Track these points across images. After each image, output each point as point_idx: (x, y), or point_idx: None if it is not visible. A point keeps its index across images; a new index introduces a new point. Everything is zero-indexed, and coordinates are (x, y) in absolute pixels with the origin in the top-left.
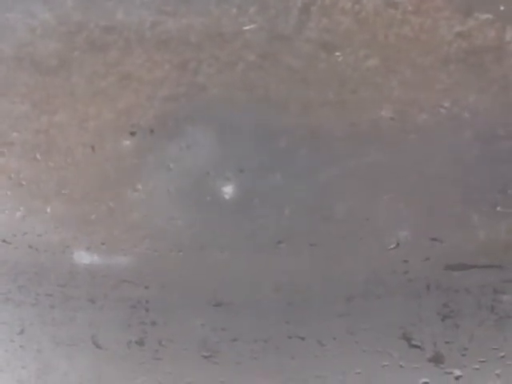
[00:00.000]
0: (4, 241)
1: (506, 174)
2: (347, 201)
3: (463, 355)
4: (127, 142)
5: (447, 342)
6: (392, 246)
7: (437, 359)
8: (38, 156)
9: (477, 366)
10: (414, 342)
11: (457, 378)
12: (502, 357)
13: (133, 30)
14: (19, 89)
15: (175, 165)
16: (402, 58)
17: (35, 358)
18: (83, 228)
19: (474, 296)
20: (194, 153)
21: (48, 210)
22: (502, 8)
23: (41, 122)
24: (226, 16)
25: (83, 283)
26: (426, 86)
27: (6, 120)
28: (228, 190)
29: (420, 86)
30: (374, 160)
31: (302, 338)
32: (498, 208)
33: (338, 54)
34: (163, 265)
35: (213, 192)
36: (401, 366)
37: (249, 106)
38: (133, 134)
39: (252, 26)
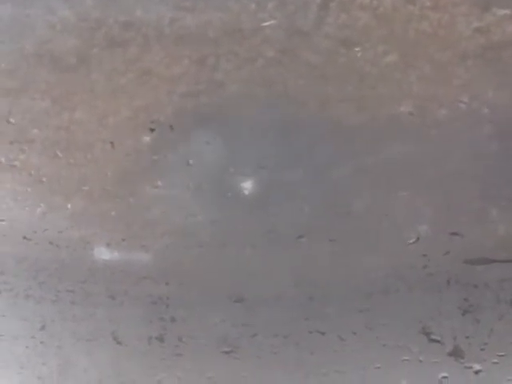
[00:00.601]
0: (24, 237)
1: None
2: (367, 196)
3: (482, 350)
4: (147, 138)
5: (467, 337)
6: (412, 241)
7: (456, 353)
8: (58, 153)
9: (496, 361)
10: (433, 337)
11: (476, 372)
12: None
13: (152, 27)
14: (39, 85)
15: (195, 161)
16: (420, 54)
17: (56, 354)
18: (103, 224)
19: (494, 290)
20: (213, 149)
21: (68, 206)
22: None
23: (61, 119)
24: (245, 12)
25: (103, 279)
26: (444, 82)
27: (27, 116)
28: (248, 186)
29: (439, 81)
30: (394, 155)
31: (322, 333)
32: None
33: (356, 49)
34: (183, 261)
35: (232, 188)
36: (420, 361)
37: (268, 101)
38: (152, 130)
39: (271, 22)
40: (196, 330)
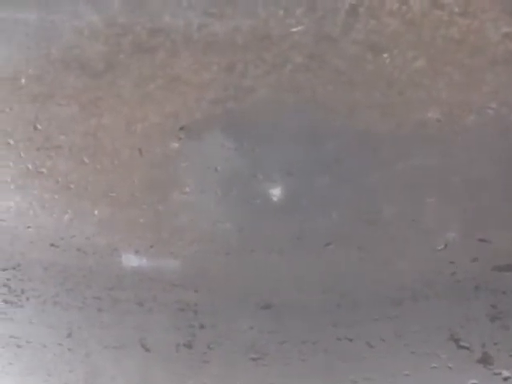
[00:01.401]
0: (52, 244)
1: None
2: (395, 203)
3: (511, 356)
4: (175, 145)
5: (495, 343)
6: (440, 248)
7: (485, 360)
8: (85, 159)
9: None
10: (462, 344)
11: (505, 379)
12: None
13: (180, 33)
14: (66, 91)
15: (223, 167)
16: (448, 60)
17: (83, 362)
18: (131, 231)
19: None
20: (241, 155)
21: (96, 212)
22: None
23: (88, 125)
24: (273, 18)
25: (131, 286)
26: (473, 88)
27: (53, 123)
28: (275, 193)
29: (467, 87)
30: (422, 162)
31: (351, 340)
32: None
33: (385, 55)
34: (211, 268)
35: (260, 194)
36: (449, 368)
37: (296, 107)
38: (180, 136)
39: (299, 28)
40: (224, 336)
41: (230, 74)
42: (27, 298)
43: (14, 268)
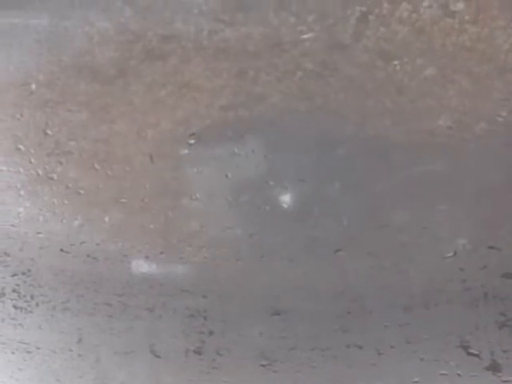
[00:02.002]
0: (62, 250)
1: None
2: (405, 209)
3: None
4: (185, 151)
5: (504, 351)
6: (449, 255)
7: (494, 368)
8: (96, 165)
9: None
10: (471, 351)
11: None
12: None
13: (191, 39)
14: (77, 97)
15: (233, 174)
16: (459, 67)
17: (93, 368)
18: (141, 237)
19: None
20: (252, 162)
21: (106, 219)
22: None
23: (99, 131)
24: (285, 25)
25: (141, 292)
26: (483, 95)
27: (64, 129)
28: (286, 199)
29: (477, 95)
30: (432, 169)
31: (360, 347)
32: None
33: (395, 62)
34: (221, 274)
35: (271, 201)
36: (458, 375)
37: (307, 114)
38: (191, 143)
39: (310, 35)
40: (233, 343)
41: (241, 80)
42: (37, 304)
43: (23, 274)
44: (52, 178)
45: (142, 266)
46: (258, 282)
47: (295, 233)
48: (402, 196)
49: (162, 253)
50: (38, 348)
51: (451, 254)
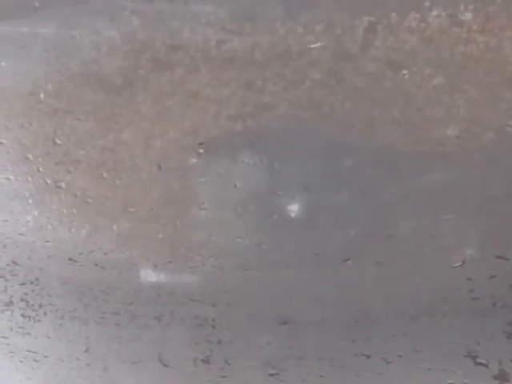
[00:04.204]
0: (70, 259)
1: None
2: (412, 219)
3: None
4: (193, 161)
5: None
6: (457, 264)
7: (502, 377)
8: (104, 174)
9: None
10: (479, 360)
11: None
12: None
13: (198, 49)
14: (85, 106)
15: (241, 183)
16: (467, 77)
17: (101, 377)
18: (150, 246)
19: None
20: (259, 171)
21: (114, 227)
22: None
23: (107, 140)
24: (292, 34)
25: (149, 301)
26: (491, 105)
27: (72, 137)
28: (294, 208)
29: (486, 104)
30: (439, 178)
31: (368, 356)
32: None
33: (403, 72)
34: (229, 283)
35: (279, 210)
36: None
37: (315, 124)
38: (199, 152)
39: (318, 45)
40: (242, 352)
41: (248, 90)
42: (45, 313)
43: (31, 282)
44: (60, 187)
45: (150, 275)
46: (266, 291)
47: (303, 242)
48: (409, 205)
49: (170, 262)
50: (46, 357)
51: (459, 263)
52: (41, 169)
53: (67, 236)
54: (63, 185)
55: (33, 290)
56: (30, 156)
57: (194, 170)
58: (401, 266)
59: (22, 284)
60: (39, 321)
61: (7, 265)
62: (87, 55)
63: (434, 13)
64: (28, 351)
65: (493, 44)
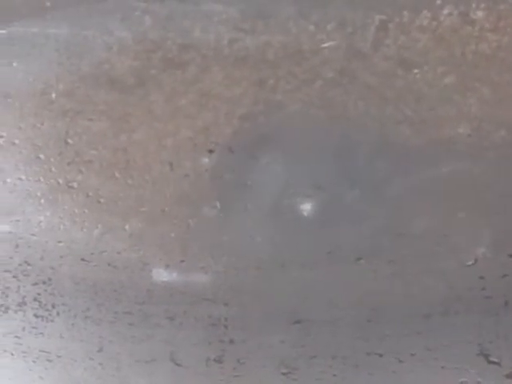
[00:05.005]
0: (82, 259)
1: None
2: (425, 218)
3: None
4: (206, 160)
5: None
6: (470, 263)
7: None
8: (116, 173)
9: None
10: (491, 359)
11: None
12: None
13: (210, 48)
14: (97, 106)
15: (253, 182)
16: (479, 76)
17: (114, 376)
18: (162, 246)
19: None
20: (272, 170)
21: (126, 227)
22: None
23: (119, 140)
24: (304, 33)
25: (162, 301)
26: (503, 103)
27: (84, 137)
28: (306, 207)
29: (497, 103)
30: (452, 177)
31: (381, 355)
32: None
33: (415, 71)
34: (242, 282)
35: (291, 209)
36: (478, 382)
37: (327, 122)
38: (211, 151)
39: (330, 43)
40: (254, 351)
41: (260, 89)
42: (58, 313)
43: (44, 282)
44: (72, 187)
45: (162, 275)
46: (279, 291)
47: (316, 241)
48: (422, 204)
49: (182, 261)
50: (59, 356)
51: (471, 262)
52: (53, 169)
53: (79, 236)
54: (75, 185)
55: (45, 290)
56: (42, 156)
57: (206, 170)
58: (414, 264)
59: (35, 284)
60: (52, 321)
61: (19, 265)
62: (99, 55)
63: (446, 11)
64: (41, 351)
65: (505, 42)
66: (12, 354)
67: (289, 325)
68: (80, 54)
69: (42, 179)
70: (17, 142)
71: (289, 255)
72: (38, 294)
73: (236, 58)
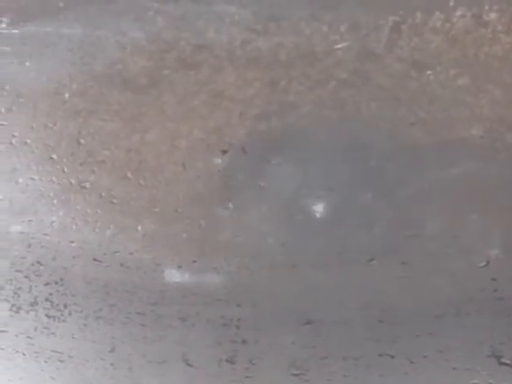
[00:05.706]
0: (95, 259)
1: None
2: (437, 219)
3: None
4: (218, 161)
5: None
6: (482, 265)
7: None
8: (128, 174)
9: None
10: (503, 360)
11: None
12: None
13: (223, 49)
14: (110, 107)
15: (266, 183)
16: (491, 77)
17: (126, 377)
18: (174, 246)
19: None
20: (284, 171)
21: (139, 228)
22: None
23: (131, 140)
24: (317, 34)
25: (174, 302)
26: None
27: (97, 138)
28: (319, 208)
29: (510, 104)
30: (464, 178)
31: (392, 356)
32: None
33: (428, 72)
34: (254, 283)
35: (304, 210)
36: None
37: (339, 123)
38: (224, 152)
39: (343, 45)
40: (266, 352)
41: (273, 89)
42: (70, 313)
43: (56, 283)
44: (85, 187)
45: (174, 275)
46: (291, 291)
47: (328, 242)
48: (434, 205)
49: (194, 262)
50: (71, 357)
51: (483, 263)
52: (65, 169)
53: (92, 236)
54: (88, 185)
55: (57, 290)
56: (55, 156)
57: (219, 170)
58: (426, 265)
59: (47, 284)
60: (64, 321)
61: (32, 265)
62: (112, 55)
63: (459, 13)
64: (53, 351)
65: None
66: (24, 354)
67: (300, 325)
68: (93, 53)
69: (54, 179)
70: (29, 141)
71: (301, 256)
72: (50, 294)
73: (249, 58)
